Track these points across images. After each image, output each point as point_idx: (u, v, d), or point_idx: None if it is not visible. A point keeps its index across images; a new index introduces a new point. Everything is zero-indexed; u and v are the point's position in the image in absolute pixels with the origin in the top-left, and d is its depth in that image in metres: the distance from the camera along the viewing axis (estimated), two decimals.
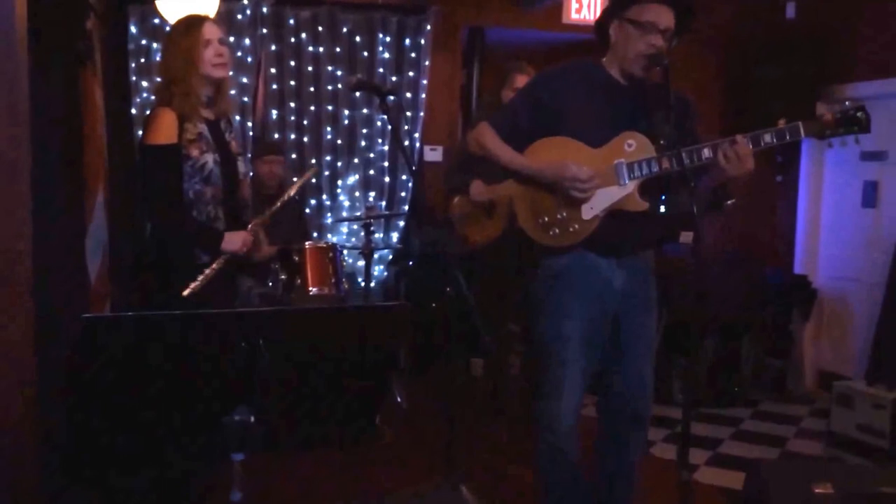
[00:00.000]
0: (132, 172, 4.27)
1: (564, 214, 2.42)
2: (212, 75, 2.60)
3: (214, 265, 2.57)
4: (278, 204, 2.85)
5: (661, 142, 2.37)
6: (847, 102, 2.34)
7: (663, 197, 2.55)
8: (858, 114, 2.30)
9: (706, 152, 2.30)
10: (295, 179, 4.88)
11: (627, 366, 2.52)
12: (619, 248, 2.46)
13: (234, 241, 2.61)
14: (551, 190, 2.42)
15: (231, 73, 4.67)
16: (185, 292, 2.49)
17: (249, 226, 2.69)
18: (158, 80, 2.74)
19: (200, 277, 2.54)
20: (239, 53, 4.72)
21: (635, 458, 2.58)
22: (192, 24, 2.63)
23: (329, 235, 4.98)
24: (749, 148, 2.27)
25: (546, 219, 2.46)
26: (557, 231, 2.44)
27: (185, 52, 2.56)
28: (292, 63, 4.90)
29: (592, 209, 2.40)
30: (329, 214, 5.06)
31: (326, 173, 5.02)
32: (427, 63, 5.03)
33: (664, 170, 2.34)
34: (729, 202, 2.45)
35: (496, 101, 3.98)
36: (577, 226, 2.42)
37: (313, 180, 4.99)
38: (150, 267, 2.66)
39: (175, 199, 2.56)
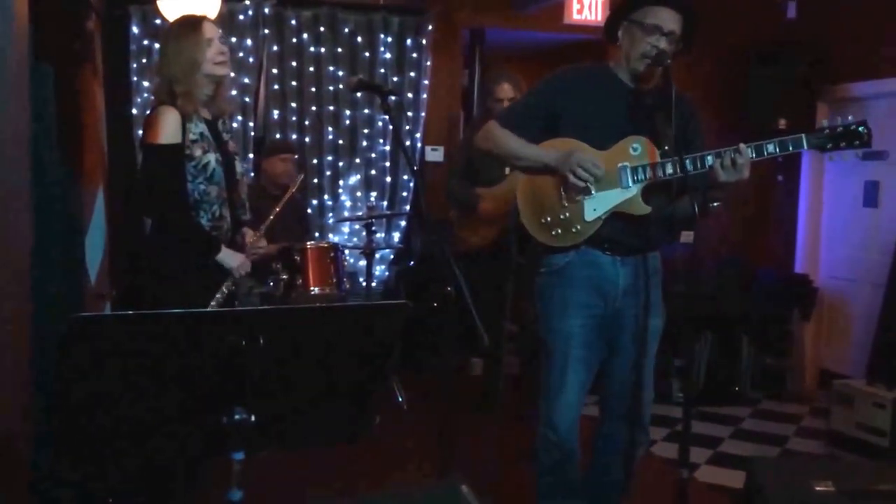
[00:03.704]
0: (132, 172, 4.27)
1: (567, 215, 2.43)
2: (215, 73, 2.61)
3: (229, 283, 2.63)
4: (272, 216, 2.88)
5: (666, 147, 2.38)
6: (850, 117, 2.35)
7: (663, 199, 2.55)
8: (861, 129, 2.30)
9: (710, 159, 2.31)
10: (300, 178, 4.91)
11: (623, 366, 2.52)
12: (621, 248, 2.47)
13: (233, 258, 2.64)
14: (556, 191, 2.44)
15: (232, 73, 4.71)
16: (210, 307, 2.55)
17: (246, 250, 2.72)
18: (157, 80, 2.74)
19: (218, 296, 2.59)
20: (240, 54, 4.73)
21: (631, 460, 2.56)
22: (191, 23, 2.64)
23: (330, 235, 4.98)
24: (751, 157, 2.28)
25: (549, 218, 2.47)
26: (560, 231, 2.46)
27: (188, 52, 2.56)
28: (294, 63, 4.91)
29: (595, 211, 2.41)
30: (331, 214, 5.07)
31: (328, 173, 5.03)
32: (428, 64, 5.04)
33: (667, 175, 2.35)
34: (714, 205, 2.45)
35: (490, 110, 4.00)
36: (579, 226, 2.43)
37: (315, 180, 4.99)
38: (147, 266, 2.67)
39: (178, 199, 2.56)
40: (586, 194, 2.41)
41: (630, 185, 2.39)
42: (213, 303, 2.58)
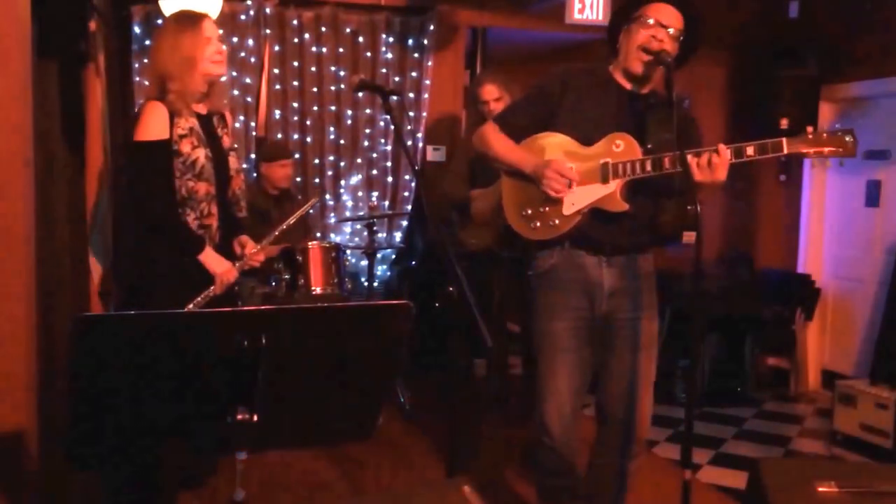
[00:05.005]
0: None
1: (546, 209, 2.45)
2: (211, 73, 2.57)
3: (213, 290, 2.56)
4: (276, 232, 2.78)
5: (649, 146, 2.38)
6: (837, 125, 2.32)
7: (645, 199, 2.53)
8: (847, 138, 2.26)
9: (689, 159, 2.29)
10: (298, 179, 4.92)
11: (616, 370, 2.50)
12: (603, 247, 2.46)
13: (219, 264, 2.58)
14: (538, 185, 2.45)
15: (234, 73, 4.71)
16: (188, 307, 2.49)
17: (238, 263, 2.65)
18: (149, 74, 2.64)
19: (198, 299, 2.53)
20: (242, 54, 4.73)
21: (626, 465, 2.54)
22: (191, 21, 2.58)
23: (332, 235, 4.99)
24: (728, 159, 2.26)
25: (529, 211, 2.48)
26: (538, 224, 2.47)
27: (187, 50, 2.51)
28: (295, 63, 4.91)
29: (574, 205, 2.42)
30: (332, 214, 5.07)
31: (329, 173, 5.03)
32: (430, 63, 5.04)
33: (647, 173, 2.35)
34: (689, 208, 2.40)
35: (481, 113, 3.99)
36: (557, 221, 2.44)
37: (316, 180, 5.00)
38: (139, 263, 2.63)
39: (163, 196, 2.52)
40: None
41: (609, 180, 2.39)
42: (190, 305, 2.52)
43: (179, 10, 2.74)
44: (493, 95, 3.92)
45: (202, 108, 2.62)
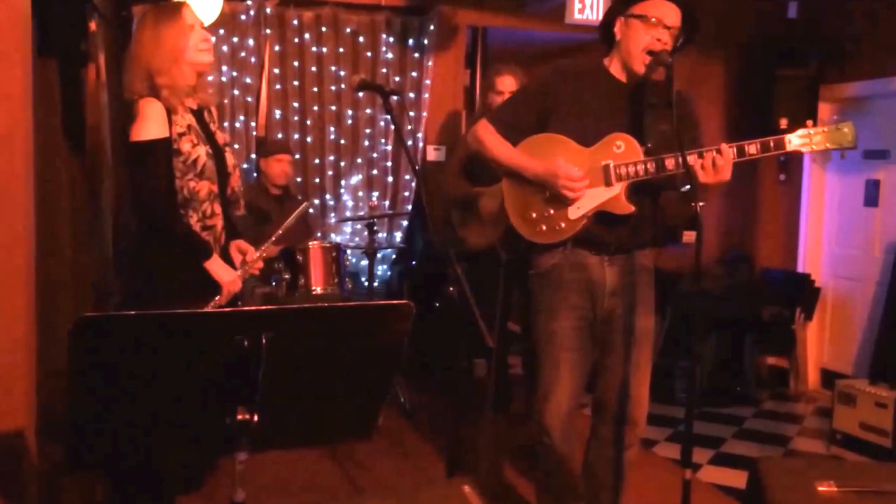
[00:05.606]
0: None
1: (552, 212, 2.44)
2: (198, 61, 2.48)
3: (218, 300, 2.50)
4: (273, 238, 2.72)
5: (648, 145, 2.37)
6: (835, 117, 2.34)
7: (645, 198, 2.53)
8: (845, 129, 2.28)
9: (691, 159, 2.29)
10: (298, 180, 4.92)
11: (614, 366, 2.51)
12: (607, 247, 2.46)
13: (226, 272, 2.51)
14: (541, 187, 2.44)
15: (235, 73, 4.71)
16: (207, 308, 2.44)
17: (239, 271, 2.59)
18: (131, 71, 2.50)
19: (210, 305, 2.48)
20: (242, 54, 4.74)
21: (620, 456, 2.54)
22: (170, 10, 2.49)
23: (332, 235, 4.99)
24: (731, 158, 2.26)
25: (534, 215, 2.47)
26: (545, 228, 2.46)
27: (172, 41, 2.42)
28: (296, 63, 4.91)
29: (580, 209, 2.41)
30: (332, 214, 5.08)
31: (330, 173, 5.04)
32: (430, 63, 5.04)
33: (649, 173, 2.34)
34: (700, 205, 2.40)
35: (490, 104, 4.00)
36: (563, 224, 2.43)
37: (316, 180, 5.00)
38: (143, 265, 2.59)
39: (166, 199, 2.45)
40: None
41: (613, 183, 2.38)
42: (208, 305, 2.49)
43: (157, 2, 2.68)
44: (510, 87, 3.92)
45: (192, 103, 2.54)
